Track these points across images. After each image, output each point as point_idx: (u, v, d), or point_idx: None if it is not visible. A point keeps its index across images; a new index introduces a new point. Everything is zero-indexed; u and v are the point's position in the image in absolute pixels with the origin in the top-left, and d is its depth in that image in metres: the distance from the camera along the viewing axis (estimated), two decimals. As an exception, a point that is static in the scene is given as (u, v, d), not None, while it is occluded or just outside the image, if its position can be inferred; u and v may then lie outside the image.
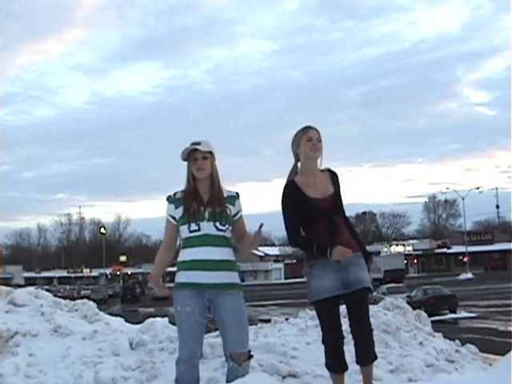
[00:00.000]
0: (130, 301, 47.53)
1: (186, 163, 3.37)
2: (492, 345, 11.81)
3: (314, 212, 3.37)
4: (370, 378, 3.44)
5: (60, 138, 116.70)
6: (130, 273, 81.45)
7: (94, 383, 3.85)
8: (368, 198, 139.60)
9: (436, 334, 5.49)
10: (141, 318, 10.87)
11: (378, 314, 5.22)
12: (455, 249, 69.80)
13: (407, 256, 68.32)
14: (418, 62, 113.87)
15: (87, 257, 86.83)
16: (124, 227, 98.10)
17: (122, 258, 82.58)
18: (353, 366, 3.58)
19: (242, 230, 3.45)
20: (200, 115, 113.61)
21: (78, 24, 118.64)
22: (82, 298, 9.09)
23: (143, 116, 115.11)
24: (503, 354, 3.98)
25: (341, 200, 3.52)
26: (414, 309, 6.08)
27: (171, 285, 3.40)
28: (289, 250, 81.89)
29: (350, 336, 3.45)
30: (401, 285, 31.47)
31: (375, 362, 3.51)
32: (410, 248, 74.24)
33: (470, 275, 51.86)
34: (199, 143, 3.32)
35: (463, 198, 58.54)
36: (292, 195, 3.40)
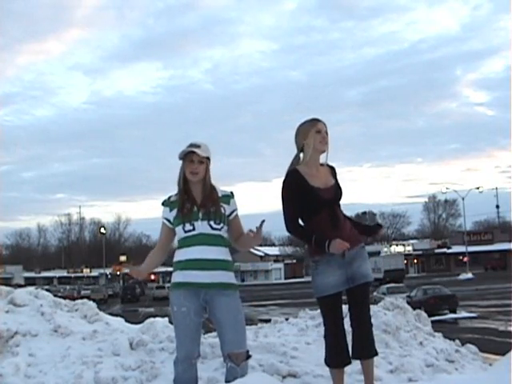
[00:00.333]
0: (130, 301, 47.57)
1: (180, 162, 3.36)
2: (492, 345, 11.80)
3: (316, 201, 3.37)
4: (370, 375, 3.43)
5: (60, 138, 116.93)
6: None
7: (93, 383, 3.85)
8: (368, 198, 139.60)
9: (436, 334, 5.49)
10: (141, 318, 10.87)
11: (378, 314, 5.22)
12: (455, 249, 69.83)
13: (407, 256, 68.32)
14: (417, 62, 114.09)
15: (87, 257, 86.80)
16: (124, 227, 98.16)
17: (122, 258, 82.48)
18: (353, 366, 3.58)
19: (239, 229, 3.44)
20: (199, 115, 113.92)
21: (78, 24, 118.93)
22: (82, 297, 9.10)
23: (143, 116, 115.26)
24: (503, 354, 3.97)
25: (341, 193, 3.54)
26: (414, 309, 6.08)
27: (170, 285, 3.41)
28: (289, 249, 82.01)
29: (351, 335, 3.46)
30: (401, 285, 31.47)
31: (375, 362, 3.52)
32: (409, 248, 74.24)
33: (470, 275, 51.86)
34: (199, 146, 3.31)
35: (463, 198, 58.58)
36: (294, 183, 3.40)
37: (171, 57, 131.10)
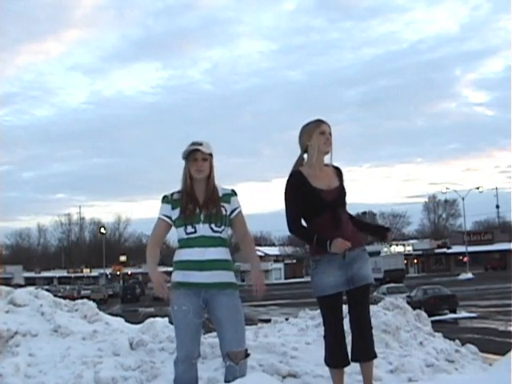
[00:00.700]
0: (130, 301, 47.51)
1: (183, 162, 3.38)
2: (492, 345, 11.80)
3: (318, 202, 3.38)
4: (370, 377, 3.43)
5: (59, 138, 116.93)
6: (129, 273, 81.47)
7: (93, 383, 3.85)
8: (368, 198, 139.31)
9: (436, 334, 5.49)
10: (141, 318, 10.87)
11: (378, 314, 5.22)
12: (455, 249, 69.81)
13: (407, 256, 68.34)
14: (416, 62, 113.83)
15: (87, 257, 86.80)
16: (124, 227, 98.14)
17: (122, 258, 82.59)
18: (353, 366, 3.58)
19: (241, 229, 3.44)
20: (199, 115, 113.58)
21: (77, 24, 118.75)
22: (82, 297, 9.10)
23: (142, 116, 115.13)
24: (503, 354, 3.98)
25: (345, 195, 3.53)
26: (414, 309, 6.08)
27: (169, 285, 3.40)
28: (289, 249, 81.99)
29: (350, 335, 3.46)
30: (401, 285, 31.45)
31: (375, 363, 3.51)
32: (409, 248, 74.22)
33: (470, 275, 51.85)
34: (201, 144, 3.33)
35: (463, 198, 58.57)
36: (297, 184, 3.41)
37: (171, 57, 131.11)
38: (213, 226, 3.29)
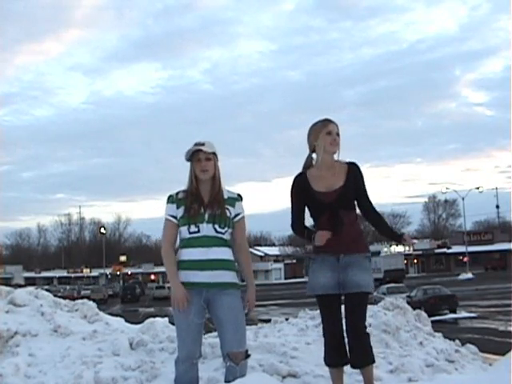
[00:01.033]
0: (130, 301, 47.50)
1: (188, 163, 3.38)
2: (492, 345, 11.80)
3: (316, 205, 3.41)
4: (370, 379, 3.42)
5: (59, 138, 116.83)
6: (129, 273, 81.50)
7: (93, 383, 3.85)
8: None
9: (436, 334, 5.49)
10: (141, 318, 10.88)
11: (378, 314, 5.22)
12: (455, 249, 69.74)
13: (407, 256, 68.29)
14: (416, 62, 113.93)
15: (87, 257, 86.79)
16: (124, 227, 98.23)
17: (122, 258, 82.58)
18: (353, 366, 3.57)
19: (240, 235, 3.42)
20: (198, 115, 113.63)
21: (77, 24, 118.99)
22: (82, 297, 9.11)
23: (142, 116, 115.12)
24: (503, 354, 3.98)
25: (352, 193, 3.44)
26: (414, 309, 6.09)
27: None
28: (289, 250, 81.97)
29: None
30: (401, 285, 31.42)
31: (375, 363, 3.50)
32: (409, 248, 74.19)
33: (470, 275, 51.81)
34: (203, 144, 3.33)
35: (463, 198, 58.53)
36: (298, 187, 3.47)
37: (170, 57, 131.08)
38: (216, 226, 3.29)
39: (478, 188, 57.91)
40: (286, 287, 54.95)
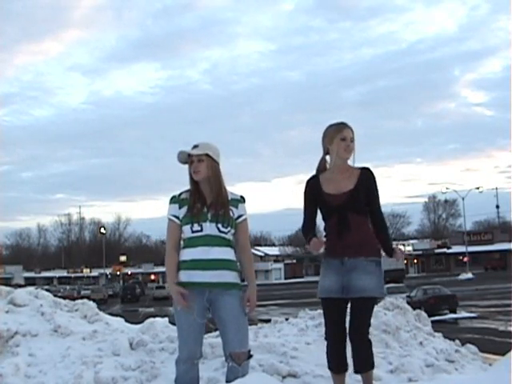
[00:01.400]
0: (130, 301, 47.51)
1: (187, 166, 3.41)
2: (492, 345, 11.80)
3: (325, 207, 3.43)
4: (369, 382, 3.42)
5: (59, 138, 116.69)
6: (129, 273, 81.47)
7: (93, 383, 3.85)
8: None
9: (436, 334, 5.49)
10: (141, 318, 10.87)
11: (378, 314, 5.22)
12: (455, 249, 69.77)
13: (407, 256, 68.30)
14: (415, 62, 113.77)
15: (87, 257, 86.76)
16: (124, 227, 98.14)
17: (122, 258, 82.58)
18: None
19: (243, 236, 3.42)
20: (198, 115, 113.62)
21: (76, 25, 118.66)
22: (82, 297, 9.10)
23: (141, 116, 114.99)
24: (503, 354, 3.97)
25: (362, 197, 3.39)
26: (414, 309, 6.09)
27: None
28: (289, 250, 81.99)
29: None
30: (401, 285, 31.43)
31: (375, 363, 3.50)
32: (409, 248, 74.16)
33: (470, 275, 51.83)
34: (197, 146, 3.37)
35: (463, 198, 58.57)
36: (309, 189, 3.50)
37: (169, 57, 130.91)
38: (219, 226, 3.29)
39: (477, 188, 57.98)
40: (285, 287, 54.91)
